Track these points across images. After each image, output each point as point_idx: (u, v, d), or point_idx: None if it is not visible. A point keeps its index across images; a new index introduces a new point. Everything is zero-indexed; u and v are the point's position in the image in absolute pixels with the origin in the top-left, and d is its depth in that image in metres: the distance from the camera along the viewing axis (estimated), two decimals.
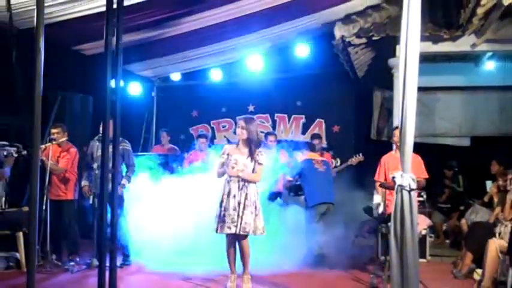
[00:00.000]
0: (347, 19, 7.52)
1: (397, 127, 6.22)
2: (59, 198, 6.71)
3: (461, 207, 8.19)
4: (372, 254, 7.06)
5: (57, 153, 6.71)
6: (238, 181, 5.55)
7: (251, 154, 5.60)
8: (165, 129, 9.30)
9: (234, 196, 5.50)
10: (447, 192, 8.72)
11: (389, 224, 4.62)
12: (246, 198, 5.50)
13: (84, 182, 6.70)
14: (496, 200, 6.63)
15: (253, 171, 5.57)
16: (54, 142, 6.54)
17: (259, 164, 5.61)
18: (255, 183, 5.60)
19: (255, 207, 5.54)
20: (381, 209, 5.78)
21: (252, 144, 5.63)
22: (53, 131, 6.67)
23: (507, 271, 5.15)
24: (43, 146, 6.30)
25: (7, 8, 4.11)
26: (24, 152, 5.81)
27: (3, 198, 6.43)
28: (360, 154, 7.68)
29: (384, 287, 5.33)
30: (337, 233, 6.51)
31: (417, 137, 4.45)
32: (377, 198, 6.09)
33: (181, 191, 6.68)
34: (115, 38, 4.64)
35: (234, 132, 5.57)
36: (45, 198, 6.40)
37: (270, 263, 6.16)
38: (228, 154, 5.64)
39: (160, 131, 9.43)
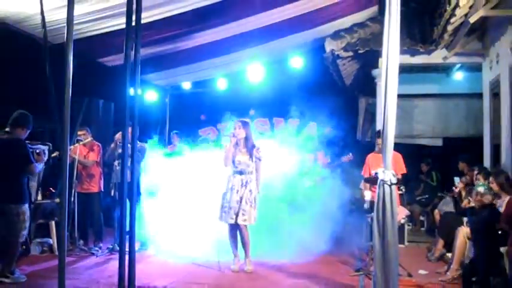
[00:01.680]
0: (336, 35, 7.53)
1: (379, 130, 6.23)
2: (86, 191, 6.71)
3: (435, 200, 8.19)
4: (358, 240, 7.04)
5: (84, 152, 6.72)
6: (241, 178, 5.57)
7: (250, 152, 5.61)
8: (175, 132, 9.32)
9: (237, 191, 5.52)
10: (422, 186, 8.73)
11: (372, 213, 4.62)
12: (249, 193, 5.52)
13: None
14: (463, 193, 6.63)
15: (254, 168, 5.60)
16: (81, 143, 6.56)
17: (260, 160, 5.62)
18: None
19: (254, 200, 5.56)
20: (366, 205, 5.76)
21: (249, 143, 5.63)
22: (79, 133, 6.69)
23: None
24: (72, 147, 6.31)
25: (42, 25, 4.14)
26: (55, 154, 5.82)
27: (39, 191, 6.45)
28: (350, 153, 7.69)
29: (367, 269, 5.34)
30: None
31: (397, 138, 4.46)
32: (367, 195, 6.11)
33: (190, 185, 6.67)
34: (133, 51, 4.65)
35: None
36: (73, 192, 6.41)
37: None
38: (231, 143, 5.62)
39: (172, 133, 9.44)
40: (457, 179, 6.67)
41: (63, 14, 3.97)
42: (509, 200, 4.71)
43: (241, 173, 5.60)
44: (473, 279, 4.54)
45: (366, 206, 5.92)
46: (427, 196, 8.56)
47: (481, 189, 4.81)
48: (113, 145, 6.63)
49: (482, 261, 4.49)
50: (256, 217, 5.58)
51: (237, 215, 5.48)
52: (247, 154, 5.61)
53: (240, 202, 5.49)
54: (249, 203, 5.50)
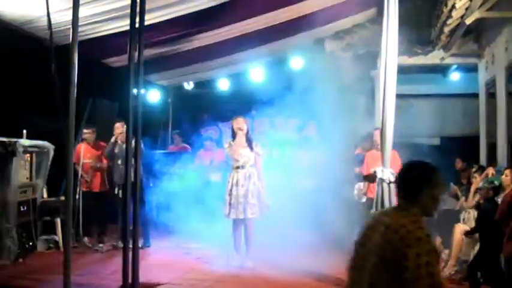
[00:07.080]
0: (336, 36, 7.54)
1: (377, 128, 6.21)
2: (92, 190, 6.70)
3: None
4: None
5: (95, 152, 6.73)
6: (244, 172, 5.59)
7: (250, 146, 5.67)
8: (176, 132, 9.36)
9: (242, 185, 5.53)
10: None
11: (371, 210, 4.61)
12: (253, 186, 5.54)
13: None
14: (459, 191, 6.61)
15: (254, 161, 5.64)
16: (85, 141, 6.58)
17: (258, 155, 5.66)
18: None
19: (259, 192, 5.57)
20: (364, 198, 5.76)
21: (249, 137, 5.71)
22: (86, 131, 6.70)
23: (469, 251, 5.16)
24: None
25: (48, 27, 4.14)
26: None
27: (44, 189, 6.45)
28: None
29: None
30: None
31: (395, 137, 4.46)
32: (358, 186, 6.10)
33: (192, 182, 6.67)
34: (137, 52, 4.64)
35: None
36: (78, 190, 6.41)
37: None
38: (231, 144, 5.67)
39: (173, 133, 9.47)
40: (451, 185, 6.69)
41: (68, 16, 3.97)
42: (503, 196, 4.68)
43: (243, 167, 5.62)
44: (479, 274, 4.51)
45: (363, 200, 5.91)
46: None
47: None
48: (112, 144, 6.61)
49: (483, 254, 4.46)
50: (263, 208, 5.58)
51: (244, 209, 5.49)
52: (247, 147, 5.67)
53: (247, 196, 5.50)
54: (255, 196, 5.52)
